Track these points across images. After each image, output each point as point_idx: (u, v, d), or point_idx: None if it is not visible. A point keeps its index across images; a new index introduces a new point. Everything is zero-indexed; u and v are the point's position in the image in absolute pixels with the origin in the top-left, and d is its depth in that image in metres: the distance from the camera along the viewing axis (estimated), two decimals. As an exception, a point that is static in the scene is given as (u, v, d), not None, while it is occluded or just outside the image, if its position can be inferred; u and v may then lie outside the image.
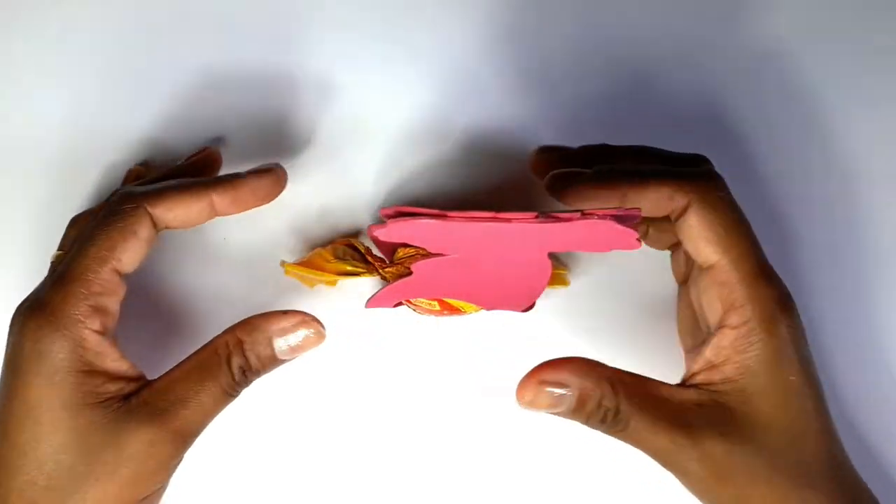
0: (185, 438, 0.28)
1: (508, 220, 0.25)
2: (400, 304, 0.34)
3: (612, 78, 0.38)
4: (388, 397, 0.36)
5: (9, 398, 0.27)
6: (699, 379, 0.29)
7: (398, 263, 0.32)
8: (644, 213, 0.29)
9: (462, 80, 0.38)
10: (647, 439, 0.28)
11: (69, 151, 0.36)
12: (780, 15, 0.38)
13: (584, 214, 0.26)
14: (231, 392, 0.29)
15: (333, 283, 0.35)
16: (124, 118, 0.37)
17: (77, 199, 0.36)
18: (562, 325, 0.37)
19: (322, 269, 0.34)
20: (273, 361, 0.29)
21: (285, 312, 0.29)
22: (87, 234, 0.29)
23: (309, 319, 0.29)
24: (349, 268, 0.34)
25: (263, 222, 0.37)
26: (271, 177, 0.31)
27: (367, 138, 0.37)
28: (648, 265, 0.36)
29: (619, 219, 0.26)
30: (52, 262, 0.31)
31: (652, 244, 0.34)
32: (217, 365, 0.28)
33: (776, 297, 0.28)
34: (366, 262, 0.34)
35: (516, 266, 0.29)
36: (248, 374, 0.29)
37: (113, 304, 0.29)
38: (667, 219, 0.31)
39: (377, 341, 0.36)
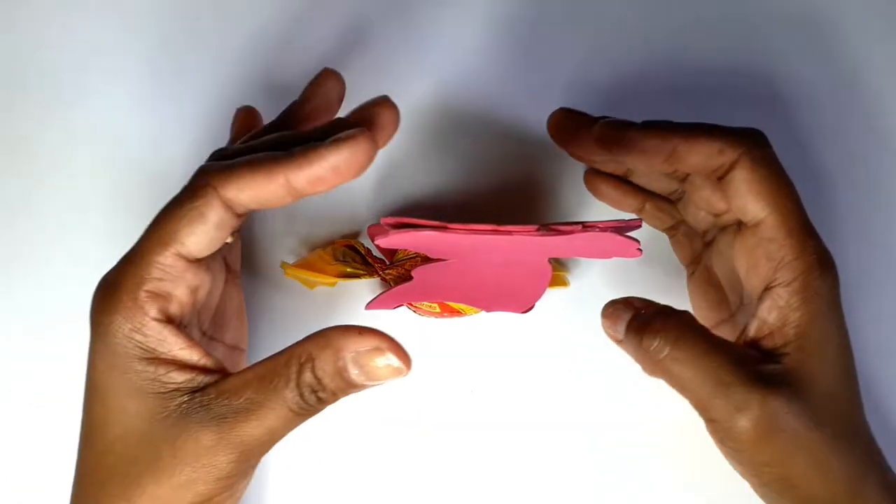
0: (246, 454, 0.25)
1: (510, 233, 0.25)
2: (400, 305, 0.34)
3: (629, 66, 0.38)
4: (388, 398, 0.36)
5: (87, 375, 0.27)
6: (759, 344, 0.28)
7: (398, 265, 0.32)
8: (691, 169, 0.29)
9: (464, 79, 0.38)
10: (688, 378, 0.27)
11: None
12: None
13: (586, 227, 0.26)
14: (299, 412, 0.25)
15: (333, 285, 0.35)
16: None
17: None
18: (562, 324, 0.37)
19: (322, 271, 0.34)
20: (350, 385, 0.25)
21: (362, 331, 0.25)
22: (159, 213, 0.26)
23: (385, 347, 0.25)
24: (349, 269, 0.34)
25: (263, 223, 0.37)
26: (356, 146, 0.24)
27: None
28: (648, 265, 0.37)
29: (620, 230, 0.26)
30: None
31: (649, 221, 0.34)
32: (286, 380, 0.25)
33: (822, 254, 0.28)
34: (366, 263, 0.34)
35: (516, 270, 0.30)
36: (318, 394, 0.25)
37: (179, 289, 0.26)
38: (666, 200, 0.31)
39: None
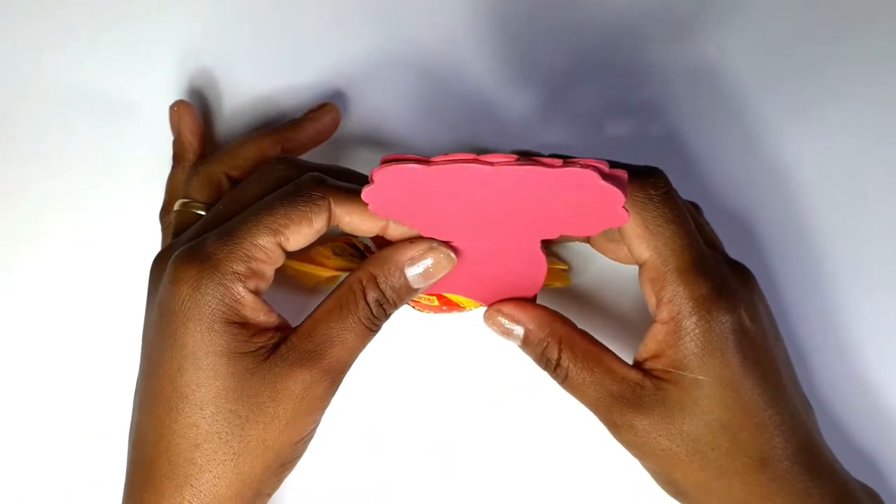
0: (334, 376, 0.29)
1: (490, 164, 0.25)
2: None
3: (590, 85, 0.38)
4: (386, 394, 0.36)
5: (168, 343, 0.28)
6: (645, 366, 0.30)
7: None
8: None
9: (456, 79, 0.38)
10: (581, 394, 0.30)
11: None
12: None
13: (567, 162, 0.25)
14: (371, 326, 0.29)
15: (333, 281, 0.35)
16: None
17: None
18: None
19: (321, 266, 0.34)
20: (409, 291, 0.30)
21: (412, 241, 0.29)
22: (268, 202, 0.29)
23: (436, 245, 0.29)
24: (348, 265, 0.34)
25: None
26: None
27: (369, 138, 0.37)
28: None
29: (602, 173, 0.25)
30: (178, 212, 0.33)
31: (608, 254, 0.33)
32: (354, 301, 0.29)
33: (708, 291, 0.28)
34: (364, 258, 0.34)
35: (511, 257, 0.30)
36: (385, 306, 0.29)
37: (270, 271, 0.29)
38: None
39: (376, 338, 0.36)
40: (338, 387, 0.29)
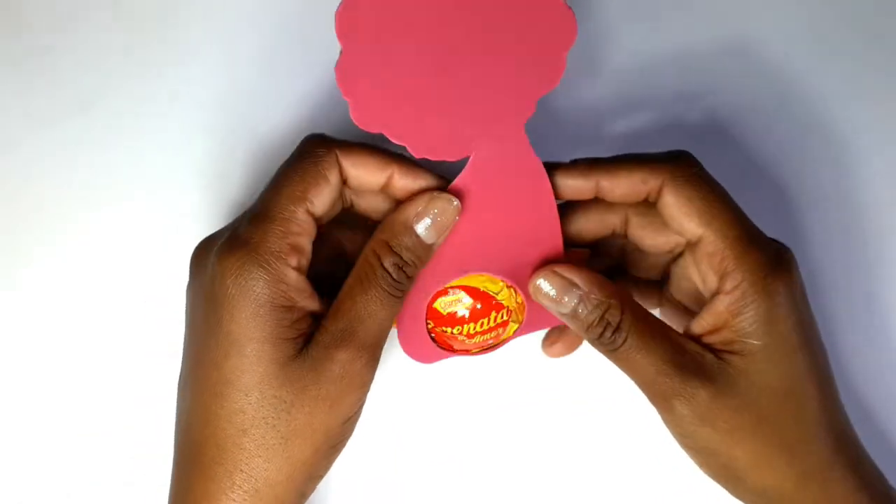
0: (371, 351, 0.29)
1: None
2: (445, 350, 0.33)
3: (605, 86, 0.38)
4: (390, 398, 0.36)
5: (214, 330, 0.28)
6: (702, 341, 0.29)
7: None
8: (621, 199, 0.30)
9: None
10: (637, 364, 0.29)
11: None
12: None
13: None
14: (395, 293, 0.29)
15: None
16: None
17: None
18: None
19: None
20: (425, 248, 0.29)
21: (412, 198, 0.29)
22: (280, 173, 0.29)
23: (437, 194, 0.29)
24: None
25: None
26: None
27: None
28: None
29: None
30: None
31: (645, 242, 0.32)
32: (372, 271, 0.29)
33: (767, 260, 0.29)
34: None
35: (519, 214, 0.30)
36: (404, 269, 0.29)
37: (307, 244, 0.29)
38: (647, 206, 0.31)
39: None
40: (377, 361, 0.29)
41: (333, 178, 0.29)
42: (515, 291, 0.31)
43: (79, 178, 0.36)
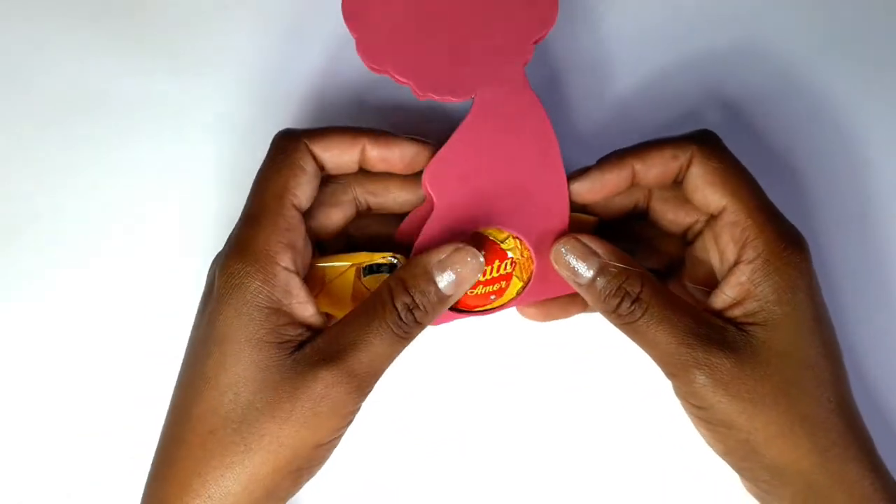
0: (359, 381, 0.28)
1: None
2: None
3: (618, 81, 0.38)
4: (396, 391, 0.36)
5: (202, 329, 0.28)
6: (724, 315, 0.29)
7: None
8: (653, 183, 0.31)
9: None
10: (657, 336, 0.28)
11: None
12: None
13: None
14: (400, 333, 0.28)
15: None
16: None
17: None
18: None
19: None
20: (440, 298, 0.29)
21: (440, 246, 0.29)
22: (259, 174, 0.30)
23: (462, 246, 0.29)
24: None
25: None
26: (421, 149, 0.30)
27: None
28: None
29: None
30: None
31: (665, 218, 0.33)
32: (382, 306, 0.28)
33: (787, 233, 0.29)
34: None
35: (523, 160, 0.30)
36: (415, 312, 0.28)
37: (299, 239, 0.29)
38: (670, 189, 0.31)
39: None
40: (364, 396, 0.28)
41: (308, 166, 0.29)
42: (522, 243, 0.31)
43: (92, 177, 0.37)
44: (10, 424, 0.36)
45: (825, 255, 0.37)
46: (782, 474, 0.28)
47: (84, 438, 0.36)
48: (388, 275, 0.31)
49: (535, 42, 0.30)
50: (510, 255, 0.31)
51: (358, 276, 0.31)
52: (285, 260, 0.28)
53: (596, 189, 0.31)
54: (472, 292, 0.31)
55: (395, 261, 0.31)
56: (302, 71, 0.37)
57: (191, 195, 0.37)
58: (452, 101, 0.29)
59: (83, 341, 0.36)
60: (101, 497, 0.36)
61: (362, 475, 0.36)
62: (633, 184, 0.31)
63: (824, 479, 0.28)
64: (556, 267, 0.30)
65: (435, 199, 0.30)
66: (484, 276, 0.31)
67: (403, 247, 0.32)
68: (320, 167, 0.30)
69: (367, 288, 0.31)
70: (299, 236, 0.29)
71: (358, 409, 0.29)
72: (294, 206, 0.29)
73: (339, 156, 0.30)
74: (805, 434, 0.28)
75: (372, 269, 0.31)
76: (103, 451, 0.36)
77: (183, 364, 0.29)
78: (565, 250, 0.30)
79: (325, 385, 0.27)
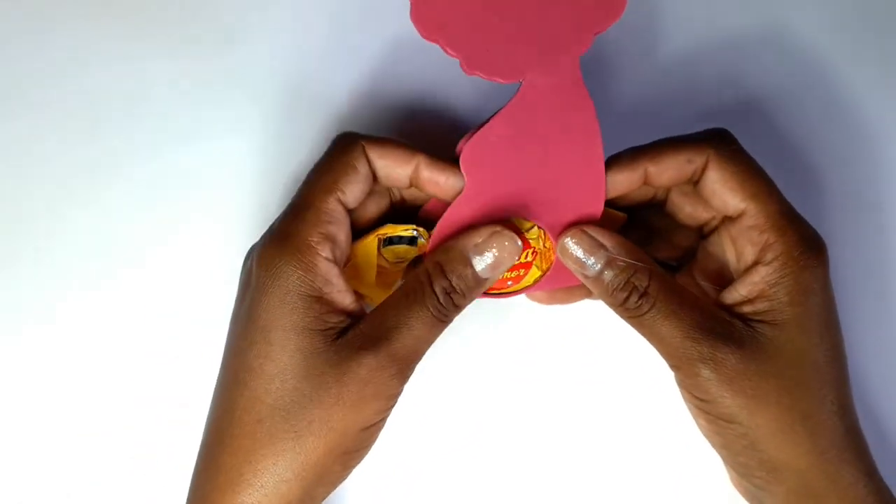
0: (401, 365, 0.28)
1: None
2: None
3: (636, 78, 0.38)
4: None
5: (243, 319, 0.29)
6: (733, 310, 0.29)
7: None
8: (668, 184, 0.31)
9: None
10: (663, 330, 0.28)
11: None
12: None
13: None
14: (440, 316, 0.29)
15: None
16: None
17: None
18: (573, 315, 0.37)
19: (386, 274, 0.32)
20: (477, 281, 0.29)
21: (476, 228, 0.30)
22: (312, 169, 0.30)
23: (500, 230, 0.29)
24: (405, 254, 0.32)
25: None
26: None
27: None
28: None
29: None
30: None
31: (682, 212, 0.33)
32: (421, 289, 0.29)
33: (806, 236, 0.29)
34: (414, 244, 0.32)
35: (563, 155, 0.30)
36: (453, 296, 0.29)
37: (340, 233, 0.29)
38: (688, 185, 0.31)
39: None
40: (406, 377, 0.29)
41: (362, 168, 0.30)
42: (545, 235, 0.31)
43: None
44: (11, 424, 0.36)
45: (838, 252, 0.36)
46: (778, 471, 0.28)
47: (84, 438, 0.36)
48: (406, 246, 0.32)
49: (596, 34, 0.28)
50: (532, 244, 0.31)
51: (379, 247, 0.32)
52: (325, 251, 0.28)
53: (612, 189, 0.30)
54: None
55: (417, 234, 0.31)
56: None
57: (214, 197, 0.37)
58: (498, 82, 0.28)
59: (83, 341, 0.36)
60: (101, 497, 0.36)
61: (372, 468, 0.36)
62: (645, 184, 0.31)
63: (819, 479, 0.28)
64: (562, 259, 0.30)
65: (466, 181, 0.30)
66: None
67: (427, 223, 0.32)
68: (373, 174, 0.31)
69: (385, 259, 0.32)
70: (341, 230, 0.29)
71: (401, 391, 0.29)
72: (340, 201, 0.29)
73: (392, 167, 0.30)
74: (805, 433, 0.28)
75: (392, 241, 0.32)
76: (103, 451, 0.36)
77: (224, 356, 0.30)
78: (573, 243, 0.30)
79: (370, 369, 0.27)
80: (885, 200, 0.38)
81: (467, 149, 0.30)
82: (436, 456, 0.36)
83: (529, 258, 0.31)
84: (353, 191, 0.30)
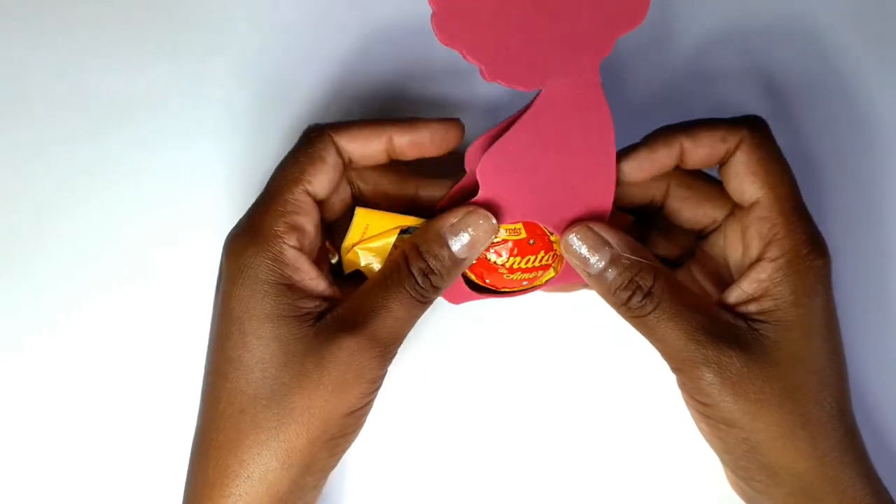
0: (381, 347, 0.28)
1: None
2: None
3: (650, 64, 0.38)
4: (409, 379, 0.36)
5: (217, 312, 0.29)
6: (737, 309, 0.29)
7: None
8: (699, 163, 0.30)
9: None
10: (666, 331, 0.28)
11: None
12: None
13: None
14: (418, 297, 0.29)
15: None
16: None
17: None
18: (575, 313, 0.36)
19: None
20: (454, 261, 0.29)
21: (451, 210, 0.29)
22: (281, 162, 0.30)
23: (474, 209, 0.29)
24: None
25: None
26: (450, 126, 0.31)
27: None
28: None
29: None
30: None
31: (683, 214, 0.32)
32: (398, 271, 0.29)
33: (813, 236, 0.29)
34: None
35: (578, 161, 0.29)
36: (430, 276, 0.29)
37: (308, 223, 0.29)
38: (690, 178, 0.31)
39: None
40: (388, 360, 0.29)
41: (330, 157, 0.30)
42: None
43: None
44: (11, 424, 0.36)
45: (839, 253, 0.36)
46: (778, 475, 0.28)
47: (84, 438, 0.36)
48: None
49: (617, 37, 0.28)
50: (555, 247, 0.31)
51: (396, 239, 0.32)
52: (292, 240, 0.28)
53: (645, 167, 0.30)
54: (510, 277, 0.31)
55: None
56: (315, 68, 0.37)
57: (197, 194, 0.37)
58: (519, 90, 0.28)
59: (83, 341, 0.36)
60: (101, 497, 0.36)
61: (366, 465, 0.36)
62: (678, 164, 0.30)
63: (819, 482, 0.28)
64: (566, 256, 0.30)
65: (481, 189, 0.30)
66: (527, 263, 0.31)
67: None
68: (347, 160, 0.31)
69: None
70: (309, 221, 0.29)
71: (384, 374, 0.29)
72: (307, 192, 0.29)
73: (364, 146, 0.30)
74: (806, 437, 0.28)
75: (407, 232, 0.32)
76: (104, 451, 0.36)
77: (207, 350, 0.30)
78: (577, 239, 0.29)
79: (350, 352, 0.27)
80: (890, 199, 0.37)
81: (484, 160, 0.29)
82: (435, 455, 0.36)
83: (549, 261, 0.31)
84: (320, 181, 0.30)
